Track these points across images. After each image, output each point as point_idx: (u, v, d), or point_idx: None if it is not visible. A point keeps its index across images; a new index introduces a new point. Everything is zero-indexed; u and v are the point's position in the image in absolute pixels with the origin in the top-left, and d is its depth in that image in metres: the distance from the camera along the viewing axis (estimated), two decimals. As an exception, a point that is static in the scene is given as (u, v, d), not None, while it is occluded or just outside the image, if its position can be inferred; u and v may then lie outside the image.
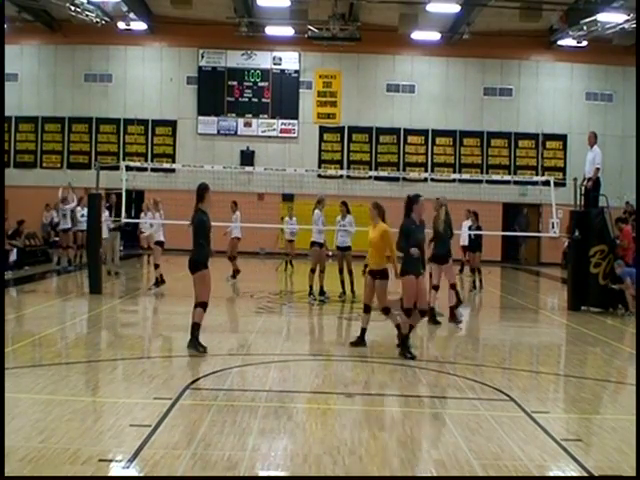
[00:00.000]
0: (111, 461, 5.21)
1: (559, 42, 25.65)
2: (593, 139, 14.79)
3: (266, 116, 27.27)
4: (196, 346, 8.96)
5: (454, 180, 24.04)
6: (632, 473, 5.15)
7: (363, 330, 9.72)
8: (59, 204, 19.69)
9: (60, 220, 19.82)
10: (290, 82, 27.34)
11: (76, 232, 19.83)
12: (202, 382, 7.65)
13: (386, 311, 9.56)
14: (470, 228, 17.28)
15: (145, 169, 22.79)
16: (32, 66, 27.13)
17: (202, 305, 9.10)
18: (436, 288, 11.98)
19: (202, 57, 27.28)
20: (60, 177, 26.77)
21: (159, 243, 15.86)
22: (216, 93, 27.13)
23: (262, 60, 27.34)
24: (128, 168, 16.80)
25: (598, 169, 14.46)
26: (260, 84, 27.34)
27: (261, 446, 5.65)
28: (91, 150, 27.30)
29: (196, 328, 9.07)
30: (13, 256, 18.23)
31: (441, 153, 27.47)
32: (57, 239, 21.04)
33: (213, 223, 9.48)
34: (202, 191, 9.24)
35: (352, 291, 14.82)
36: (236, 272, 17.53)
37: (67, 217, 19.42)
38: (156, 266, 15.64)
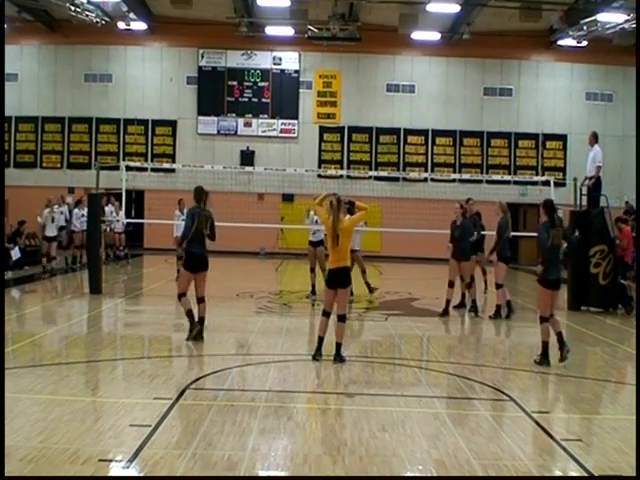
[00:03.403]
0: (111, 461, 5.22)
1: (559, 42, 25.61)
2: (593, 139, 14.77)
3: (266, 116, 27.24)
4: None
5: (454, 180, 24.01)
6: (632, 473, 5.16)
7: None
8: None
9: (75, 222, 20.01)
10: (290, 82, 27.31)
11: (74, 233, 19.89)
12: (202, 382, 7.65)
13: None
14: None
15: (145, 169, 22.82)
16: (32, 66, 27.08)
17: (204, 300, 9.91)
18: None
19: (202, 57, 27.25)
20: (60, 177, 26.87)
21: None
22: (216, 93, 27.09)
23: (262, 60, 27.31)
24: (128, 168, 16.81)
25: (599, 167, 14.44)
26: (260, 84, 27.31)
27: (261, 446, 5.65)
28: (91, 150, 27.24)
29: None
30: (16, 254, 18.09)
31: (441, 153, 27.43)
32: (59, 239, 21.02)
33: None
34: (203, 194, 9.94)
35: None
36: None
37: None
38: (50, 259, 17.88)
